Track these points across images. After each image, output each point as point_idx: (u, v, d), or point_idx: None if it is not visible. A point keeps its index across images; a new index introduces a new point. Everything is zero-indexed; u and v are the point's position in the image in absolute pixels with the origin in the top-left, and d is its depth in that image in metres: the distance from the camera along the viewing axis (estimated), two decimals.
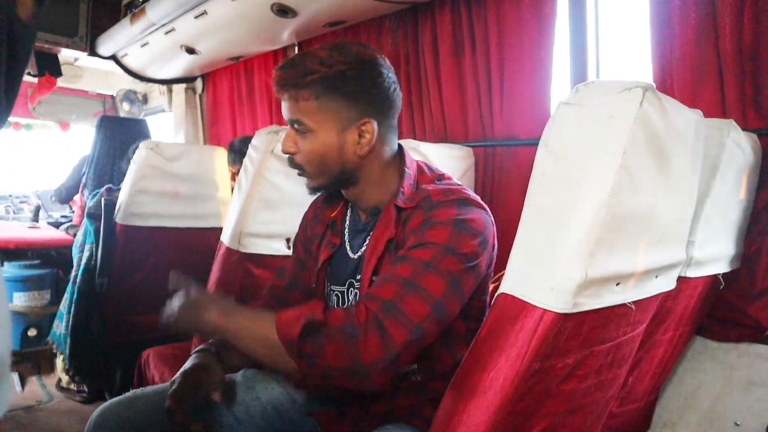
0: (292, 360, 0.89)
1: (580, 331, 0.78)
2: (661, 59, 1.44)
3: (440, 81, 2.03)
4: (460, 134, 2.00)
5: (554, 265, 0.73)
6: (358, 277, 1.07)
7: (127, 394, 1.16)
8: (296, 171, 1.06)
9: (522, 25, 1.74)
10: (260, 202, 1.48)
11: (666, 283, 0.97)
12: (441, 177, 1.08)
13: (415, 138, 2.12)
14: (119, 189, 2.22)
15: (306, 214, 1.25)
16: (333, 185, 1.06)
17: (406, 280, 0.89)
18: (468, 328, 1.03)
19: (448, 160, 1.85)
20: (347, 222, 1.14)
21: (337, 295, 1.12)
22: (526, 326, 0.76)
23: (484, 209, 0.99)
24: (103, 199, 2.16)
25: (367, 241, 1.06)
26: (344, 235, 1.13)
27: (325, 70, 0.96)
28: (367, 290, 0.96)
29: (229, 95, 3.24)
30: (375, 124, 1.00)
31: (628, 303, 0.83)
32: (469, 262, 0.92)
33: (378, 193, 1.06)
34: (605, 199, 0.71)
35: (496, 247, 1.01)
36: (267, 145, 1.46)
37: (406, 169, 1.06)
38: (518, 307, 0.77)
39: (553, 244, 0.74)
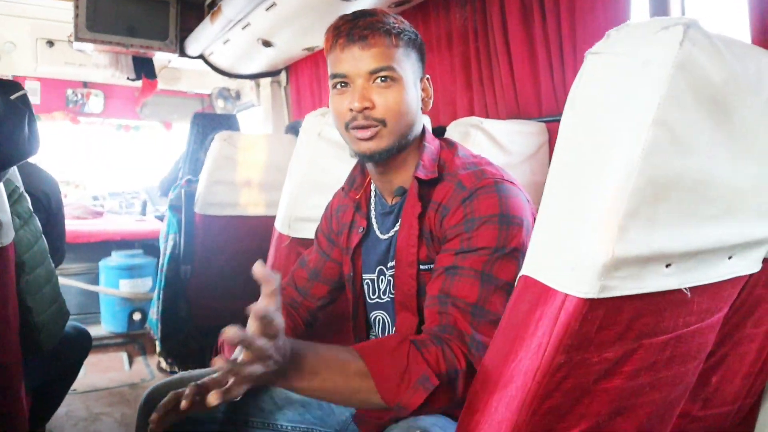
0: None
1: (617, 320, 0.67)
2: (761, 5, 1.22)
3: (510, 54, 1.90)
4: (533, 109, 1.86)
5: (576, 241, 0.63)
6: (390, 264, 1.03)
7: (176, 375, 1.19)
8: (364, 130, 0.95)
9: None
10: (310, 186, 1.46)
11: (746, 266, 0.81)
12: (460, 149, 1.04)
13: (488, 116, 2.01)
14: (198, 181, 2.32)
15: (330, 204, 1.22)
16: (398, 147, 0.98)
17: (474, 306, 0.87)
18: None
19: (518, 137, 1.73)
20: (373, 205, 1.10)
21: (368, 283, 1.08)
22: (546, 313, 0.66)
23: (516, 186, 0.94)
24: (183, 190, 2.27)
25: (398, 223, 1.02)
26: (371, 218, 1.09)
27: (406, 25, 0.97)
28: (431, 320, 0.90)
29: (309, 85, 3.29)
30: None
31: (684, 288, 0.70)
32: (521, 257, 0.88)
33: (406, 169, 1.02)
34: (636, 161, 0.59)
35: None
36: (315, 128, 1.44)
37: (426, 144, 1.02)
38: (538, 291, 0.67)
39: (576, 218, 0.63)
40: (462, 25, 2.07)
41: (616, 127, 0.61)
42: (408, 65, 0.96)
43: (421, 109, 1.01)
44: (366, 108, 0.94)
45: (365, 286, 1.09)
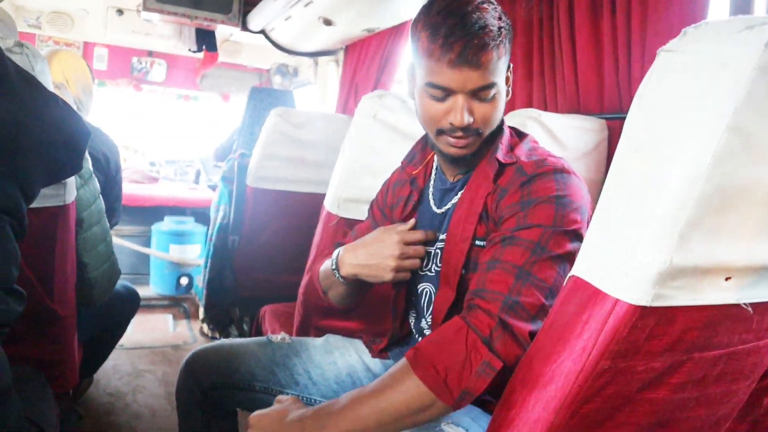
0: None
1: (668, 331, 0.64)
2: None
3: (575, 47, 1.84)
4: (594, 105, 1.80)
5: (632, 246, 0.60)
6: (441, 237, 1.05)
7: (217, 341, 1.23)
8: (461, 140, 0.97)
9: None
10: (362, 168, 1.46)
11: None
12: (527, 139, 1.05)
13: (546, 109, 1.96)
14: (251, 155, 2.36)
15: (389, 179, 1.22)
16: (485, 143, 1.01)
17: (521, 269, 0.86)
18: None
19: (576, 132, 1.68)
20: (432, 181, 1.12)
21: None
22: (594, 316, 0.64)
23: (577, 176, 0.94)
24: (236, 163, 2.31)
25: (456, 198, 1.04)
26: (428, 193, 1.11)
27: (506, 22, 0.93)
28: (476, 283, 0.90)
29: (367, 66, 3.28)
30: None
31: (743, 304, 0.67)
32: (576, 239, 0.88)
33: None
34: (705, 168, 0.56)
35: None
36: (371, 110, 1.43)
37: (504, 129, 1.03)
38: (588, 293, 0.65)
39: (634, 222, 0.61)
40: (527, 15, 2.02)
41: (686, 130, 0.58)
42: (504, 68, 0.96)
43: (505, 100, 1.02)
44: (469, 123, 0.94)
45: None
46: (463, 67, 0.89)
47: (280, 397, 0.98)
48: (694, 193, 0.57)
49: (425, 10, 0.93)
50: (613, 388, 0.67)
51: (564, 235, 0.88)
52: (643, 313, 0.61)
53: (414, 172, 1.14)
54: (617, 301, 0.61)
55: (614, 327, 0.62)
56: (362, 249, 1.06)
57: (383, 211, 1.21)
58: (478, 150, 1.00)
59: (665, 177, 0.59)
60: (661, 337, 0.64)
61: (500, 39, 0.91)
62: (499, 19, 0.92)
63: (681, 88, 0.60)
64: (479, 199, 0.98)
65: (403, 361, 0.87)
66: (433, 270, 1.08)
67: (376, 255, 1.03)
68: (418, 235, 1.04)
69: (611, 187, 0.66)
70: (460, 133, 0.95)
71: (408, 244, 1.03)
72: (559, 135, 1.62)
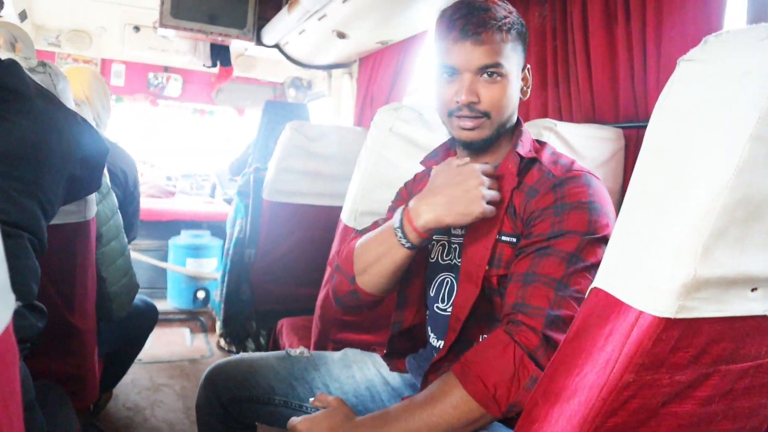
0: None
1: (694, 343, 0.63)
2: None
3: (589, 55, 1.83)
4: (609, 114, 1.79)
5: (655, 258, 0.60)
6: (458, 232, 1.08)
7: (237, 355, 1.24)
8: (468, 121, 1.00)
9: None
10: (378, 181, 1.46)
11: None
12: (548, 145, 1.08)
13: (561, 119, 1.96)
14: (266, 168, 2.37)
15: (412, 179, 1.25)
16: (496, 136, 1.04)
17: (560, 283, 0.88)
18: None
19: (593, 142, 1.67)
20: None
21: (443, 244, 1.11)
22: (618, 329, 0.63)
23: (602, 182, 0.98)
24: (252, 176, 2.33)
25: None
26: None
27: (516, 18, 0.99)
28: (516, 297, 0.92)
29: (381, 78, 3.29)
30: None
31: None
32: (606, 245, 0.87)
33: (495, 152, 1.07)
34: (728, 178, 0.55)
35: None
36: (387, 122, 1.44)
37: (524, 130, 1.06)
38: (611, 305, 0.64)
39: (657, 233, 0.60)
40: (540, 24, 2.02)
41: (709, 141, 0.58)
42: (514, 59, 1.00)
43: (520, 98, 1.05)
44: (472, 102, 0.98)
45: (440, 247, 1.12)
46: (465, 42, 0.95)
47: (320, 395, 1.01)
48: (717, 204, 0.56)
49: (441, 10, 1.01)
50: (638, 401, 0.66)
51: (597, 243, 0.91)
52: (667, 325, 0.60)
53: (435, 167, 1.15)
54: (641, 313, 0.61)
55: (638, 339, 0.61)
56: (440, 191, 0.95)
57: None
58: (491, 139, 1.02)
59: (688, 188, 0.58)
60: (687, 349, 0.63)
61: (504, 23, 0.95)
62: (509, 12, 0.98)
63: (703, 97, 0.59)
64: (504, 194, 0.99)
65: (449, 374, 0.90)
66: (453, 262, 1.09)
67: (459, 187, 0.93)
68: (489, 167, 0.99)
69: (633, 198, 0.65)
70: (466, 112, 0.99)
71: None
72: (575, 145, 1.61)
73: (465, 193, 0.93)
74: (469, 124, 1.00)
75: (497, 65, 0.96)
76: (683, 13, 1.50)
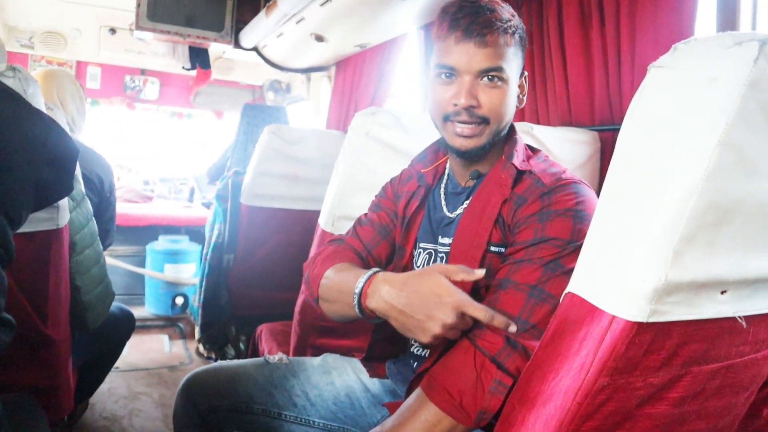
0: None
1: (665, 346, 0.64)
2: None
3: (565, 59, 1.85)
4: (585, 117, 1.81)
5: (627, 263, 0.60)
6: (446, 241, 1.05)
7: (214, 364, 1.22)
8: (467, 127, 0.97)
9: None
10: (356, 185, 1.46)
11: None
12: (540, 153, 1.06)
13: (538, 122, 1.98)
14: (245, 172, 2.35)
15: (398, 176, 1.22)
16: (491, 144, 1.00)
17: (534, 288, 0.86)
18: None
19: (569, 145, 1.69)
20: (444, 183, 1.11)
21: (430, 253, 1.09)
22: (591, 333, 0.64)
23: (592, 191, 0.95)
24: (230, 181, 2.31)
25: (466, 203, 1.04)
26: (439, 195, 1.11)
27: (519, 21, 0.96)
28: (486, 302, 0.89)
29: (358, 82, 3.29)
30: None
31: (739, 317, 0.67)
32: None
33: (486, 158, 1.04)
34: (697, 183, 0.56)
35: None
36: (364, 127, 1.44)
37: (517, 138, 1.04)
38: (584, 310, 0.65)
39: (628, 238, 0.61)
40: None
41: (678, 146, 0.58)
42: (515, 64, 0.97)
43: (516, 106, 1.02)
44: (471, 106, 0.95)
45: (426, 255, 1.10)
46: (469, 43, 0.92)
47: None
48: (687, 209, 0.57)
49: (443, 7, 0.97)
50: (613, 404, 0.66)
51: (579, 250, 0.88)
52: (640, 329, 0.60)
53: (423, 170, 1.14)
54: (614, 317, 0.61)
55: (612, 344, 0.62)
56: (409, 291, 0.85)
57: (389, 214, 1.18)
58: (486, 147, 0.99)
59: (658, 193, 0.59)
60: (659, 352, 0.64)
61: (509, 26, 0.93)
62: (512, 15, 0.95)
63: (672, 103, 0.60)
64: (493, 205, 0.98)
65: (418, 390, 0.88)
66: None
67: (424, 308, 0.82)
68: (479, 313, 0.81)
69: (605, 203, 0.66)
70: (465, 117, 0.95)
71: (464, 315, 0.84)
72: (551, 148, 1.63)
73: (424, 318, 0.82)
74: (467, 131, 0.97)
75: (499, 69, 0.93)
76: (656, 18, 1.52)
